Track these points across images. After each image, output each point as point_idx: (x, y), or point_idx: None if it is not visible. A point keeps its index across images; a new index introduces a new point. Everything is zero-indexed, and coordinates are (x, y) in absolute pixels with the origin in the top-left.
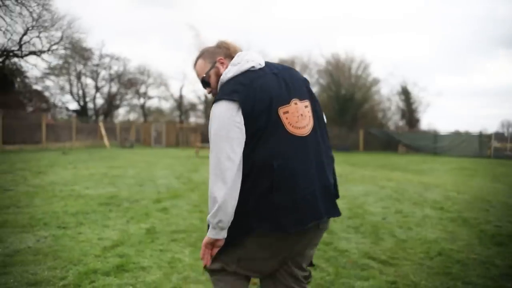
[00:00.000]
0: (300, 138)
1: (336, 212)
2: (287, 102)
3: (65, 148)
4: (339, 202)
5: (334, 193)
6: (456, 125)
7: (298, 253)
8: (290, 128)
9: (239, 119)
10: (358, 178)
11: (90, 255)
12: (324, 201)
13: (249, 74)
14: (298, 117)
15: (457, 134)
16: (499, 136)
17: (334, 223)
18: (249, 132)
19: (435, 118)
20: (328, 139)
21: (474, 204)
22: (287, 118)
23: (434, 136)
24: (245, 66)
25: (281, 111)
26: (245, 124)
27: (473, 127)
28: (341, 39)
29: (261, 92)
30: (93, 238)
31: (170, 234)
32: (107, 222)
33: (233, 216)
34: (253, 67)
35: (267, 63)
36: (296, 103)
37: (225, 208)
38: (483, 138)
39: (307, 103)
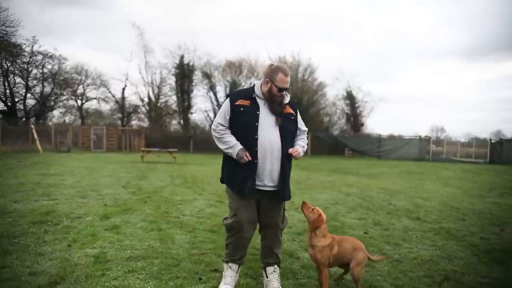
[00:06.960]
0: None
1: None
2: None
3: None
4: None
5: None
6: (389, 130)
7: None
8: None
9: None
10: (318, 184)
11: None
12: None
13: None
14: None
15: (399, 138)
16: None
17: None
18: None
19: (373, 123)
20: None
21: (447, 212)
22: None
23: (378, 140)
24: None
25: None
26: None
27: (406, 131)
28: (288, 43)
29: None
30: (23, 273)
31: (125, 262)
32: (42, 248)
33: None
34: None
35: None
36: None
37: None
38: (422, 142)
39: None
